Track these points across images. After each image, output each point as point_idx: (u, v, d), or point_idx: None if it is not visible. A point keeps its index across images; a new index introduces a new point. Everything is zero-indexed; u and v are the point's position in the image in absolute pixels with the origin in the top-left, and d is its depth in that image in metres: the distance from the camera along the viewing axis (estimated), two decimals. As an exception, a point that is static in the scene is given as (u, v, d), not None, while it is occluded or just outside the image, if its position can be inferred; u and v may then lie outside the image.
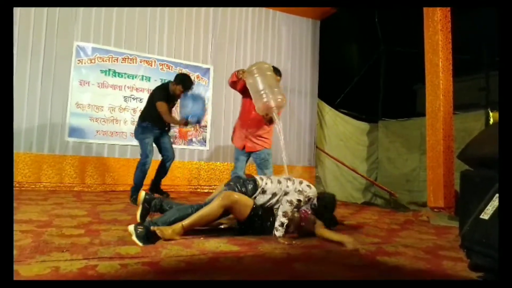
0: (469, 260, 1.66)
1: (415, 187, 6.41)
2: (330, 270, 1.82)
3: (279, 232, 2.42)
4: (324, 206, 2.68)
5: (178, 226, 2.21)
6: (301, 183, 2.66)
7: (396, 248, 2.36)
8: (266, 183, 2.58)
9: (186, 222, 2.24)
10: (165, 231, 2.14)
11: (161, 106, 4.00)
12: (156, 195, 2.67)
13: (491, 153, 1.58)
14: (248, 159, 3.76)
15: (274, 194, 2.57)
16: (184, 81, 4.09)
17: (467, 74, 8.16)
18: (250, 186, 2.54)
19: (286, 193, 2.57)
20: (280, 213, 2.48)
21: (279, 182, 2.62)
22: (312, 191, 2.64)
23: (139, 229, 2.05)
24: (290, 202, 2.50)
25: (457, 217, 3.25)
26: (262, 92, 3.11)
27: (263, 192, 2.55)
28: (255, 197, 2.53)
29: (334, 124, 7.08)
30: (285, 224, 2.45)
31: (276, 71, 3.53)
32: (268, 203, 2.56)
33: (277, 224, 2.45)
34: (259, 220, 2.47)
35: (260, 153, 3.64)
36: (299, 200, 2.54)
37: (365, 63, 8.06)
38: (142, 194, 2.59)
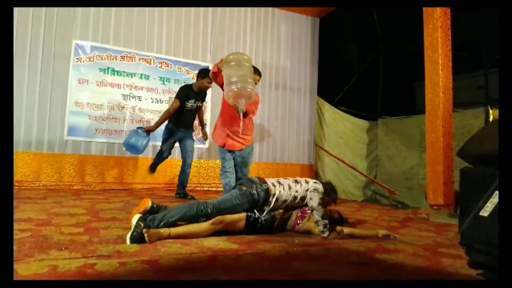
0: (469, 258, 1.66)
1: (415, 184, 6.41)
2: (329, 268, 1.82)
3: (325, 234, 2.48)
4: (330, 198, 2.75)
5: (166, 232, 2.15)
6: (307, 182, 2.69)
7: (395, 245, 2.36)
8: (279, 191, 2.57)
9: (174, 231, 2.19)
10: (152, 236, 2.06)
11: (173, 103, 4.30)
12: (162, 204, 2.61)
13: (491, 150, 1.58)
14: (234, 156, 3.74)
15: (284, 202, 2.59)
16: (203, 71, 4.38)
17: (466, 71, 8.16)
18: (262, 194, 2.51)
19: (295, 198, 2.61)
20: (317, 218, 2.52)
21: (290, 187, 2.63)
22: (321, 187, 2.69)
23: (135, 232, 2.06)
24: (319, 204, 2.56)
25: (457, 214, 3.25)
26: (232, 80, 3.00)
27: (276, 200, 2.56)
28: (268, 204, 2.54)
29: (334, 121, 7.08)
30: (327, 224, 2.51)
31: (256, 71, 3.48)
32: (275, 206, 2.57)
33: (320, 229, 2.50)
34: (259, 223, 2.48)
35: (242, 152, 3.64)
36: (321, 198, 2.60)
37: (364, 61, 8.05)
38: (148, 202, 2.46)
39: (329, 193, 2.74)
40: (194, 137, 5.59)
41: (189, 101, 4.36)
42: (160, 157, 4.52)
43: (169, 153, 4.52)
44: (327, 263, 1.91)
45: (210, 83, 4.26)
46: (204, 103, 4.66)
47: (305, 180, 2.73)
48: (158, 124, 4.31)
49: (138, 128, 4.26)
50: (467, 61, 7.56)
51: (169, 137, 4.42)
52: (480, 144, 1.76)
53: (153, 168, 4.55)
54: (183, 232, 2.23)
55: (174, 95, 5.43)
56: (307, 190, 2.64)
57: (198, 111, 4.60)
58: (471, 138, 1.86)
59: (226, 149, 3.65)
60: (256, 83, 3.37)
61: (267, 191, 2.53)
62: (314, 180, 2.76)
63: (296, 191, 2.62)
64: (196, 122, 4.81)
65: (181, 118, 4.37)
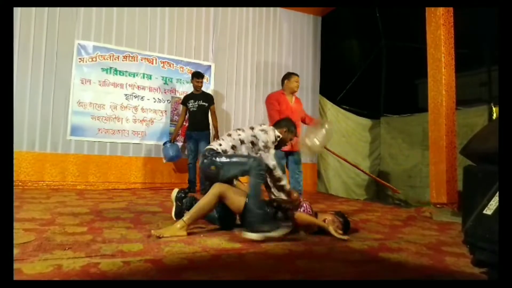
0: (472, 256, 1.65)
1: (418, 183, 6.39)
2: (333, 266, 1.82)
3: (283, 193, 2.51)
4: None
5: (181, 224, 2.28)
6: (252, 128, 2.66)
7: (399, 244, 2.36)
8: (220, 144, 2.58)
9: (187, 218, 2.31)
10: (167, 231, 2.22)
11: (182, 109, 5.15)
12: (190, 194, 2.82)
13: (494, 148, 1.57)
14: (287, 159, 4.17)
15: (234, 147, 2.59)
16: (193, 73, 5.05)
17: (469, 69, 8.11)
18: (209, 154, 2.52)
19: (241, 142, 2.60)
20: (269, 163, 2.51)
21: (229, 135, 2.65)
22: (271, 131, 2.64)
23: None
24: (265, 146, 2.53)
25: (460, 212, 3.24)
26: (314, 139, 3.47)
27: (225, 152, 2.55)
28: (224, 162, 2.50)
29: (336, 120, 7.05)
30: (280, 179, 2.52)
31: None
32: (223, 158, 2.54)
33: (284, 183, 2.54)
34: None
35: (296, 153, 4.15)
36: (266, 140, 2.56)
37: (366, 59, 8.02)
38: (174, 191, 2.72)
39: (290, 129, 2.78)
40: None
41: (189, 102, 4.95)
42: (189, 169, 4.93)
43: (195, 156, 4.89)
44: (330, 261, 1.91)
45: (199, 81, 4.94)
46: (211, 105, 5.05)
47: (250, 127, 2.70)
48: (175, 131, 5.19)
49: (164, 143, 5.09)
50: (470, 58, 7.51)
51: (188, 141, 4.99)
52: (483, 142, 1.75)
53: (191, 185, 4.90)
54: (194, 213, 2.33)
55: (176, 95, 5.60)
56: (253, 135, 2.61)
57: (205, 111, 5.00)
58: (474, 136, 1.85)
59: (283, 151, 3.98)
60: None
61: (211, 150, 2.55)
62: (260, 124, 2.73)
63: (239, 135, 2.62)
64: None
65: (190, 120, 4.96)
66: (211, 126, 5.09)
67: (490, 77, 6.12)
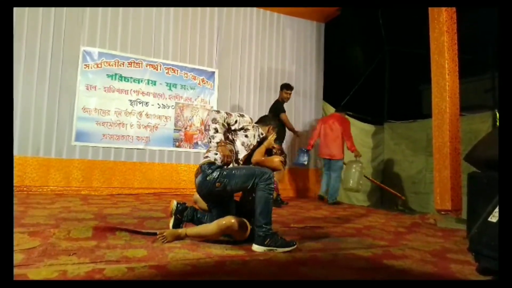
0: (478, 264, 1.64)
1: (422, 189, 6.36)
2: (337, 273, 1.81)
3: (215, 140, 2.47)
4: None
5: (183, 232, 2.30)
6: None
7: (403, 251, 2.35)
8: (216, 153, 2.45)
9: (190, 231, 2.32)
10: (169, 236, 2.24)
11: (284, 116, 5.16)
12: (190, 205, 2.67)
13: (498, 155, 1.57)
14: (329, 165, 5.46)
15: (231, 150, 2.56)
16: (283, 84, 5.30)
17: (473, 75, 8.10)
18: (218, 173, 2.33)
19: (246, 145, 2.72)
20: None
21: (211, 139, 2.54)
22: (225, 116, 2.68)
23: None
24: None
25: (465, 219, 3.22)
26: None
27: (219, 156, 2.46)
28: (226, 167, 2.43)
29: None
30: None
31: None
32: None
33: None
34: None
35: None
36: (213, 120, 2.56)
37: (370, 65, 8.03)
38: (173, 203, 2.55)
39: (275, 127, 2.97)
40: (200, 142, 5.66)
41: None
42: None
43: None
44: (334, 268, 1.90)
45: (288, 93, 5.20)
46: None
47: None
48: (294, 131, 5.46)
49: (307, 150, 5.40)
50: (474, 64, 7.51)
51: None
52: (487, 148, 1.75)
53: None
54: (196, 234, 2.32)
55: (180, 101, 5.58)
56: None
57: None
58: (478, 143, 1.86)
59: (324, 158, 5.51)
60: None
61: (210, 163, 2.40)
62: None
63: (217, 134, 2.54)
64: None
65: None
66: None
67: (494, 83, 6.10)
